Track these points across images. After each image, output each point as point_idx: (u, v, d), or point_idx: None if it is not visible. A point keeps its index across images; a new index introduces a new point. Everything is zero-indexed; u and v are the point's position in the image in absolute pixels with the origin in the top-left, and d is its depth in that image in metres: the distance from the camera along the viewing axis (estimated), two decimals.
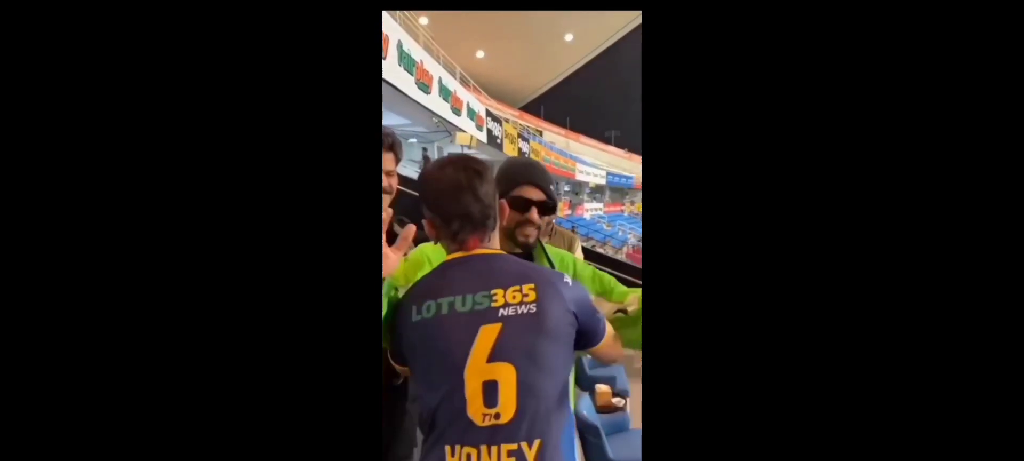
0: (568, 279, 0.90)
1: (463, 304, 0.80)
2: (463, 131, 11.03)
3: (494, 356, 0.78)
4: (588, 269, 1.20)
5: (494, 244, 0.97)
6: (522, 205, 1.15)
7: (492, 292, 0.83)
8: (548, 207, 1.18)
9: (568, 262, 1.21)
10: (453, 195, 0.88)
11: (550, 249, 1.23)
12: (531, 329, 0.81)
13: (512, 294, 0.83)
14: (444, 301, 0.79)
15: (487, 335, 0.79)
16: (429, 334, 0.79)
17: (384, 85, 7.94)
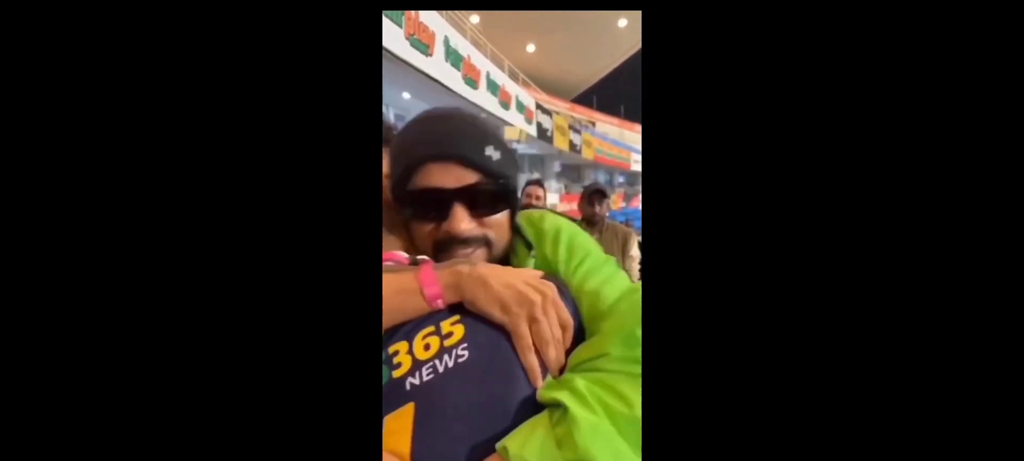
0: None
1: None
2: (512, 125, 11.08)
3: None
4: (588, 253, 0.65)
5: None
6: (430, 204, 0.64)
7: (390, 351, 0.53)
8: (486, 194, 0.64)
9: (551, 236, 0.66)
10: None
11: (528, 221, 0.71)
12: (470, 388, 0.50)
13: (423, 342, 0.53)
14: None
15: (395, 427, 0.49)
16: None
17: (430, 82, 8.06)
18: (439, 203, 0.63)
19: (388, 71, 7.91)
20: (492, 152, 0.64)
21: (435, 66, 8.46)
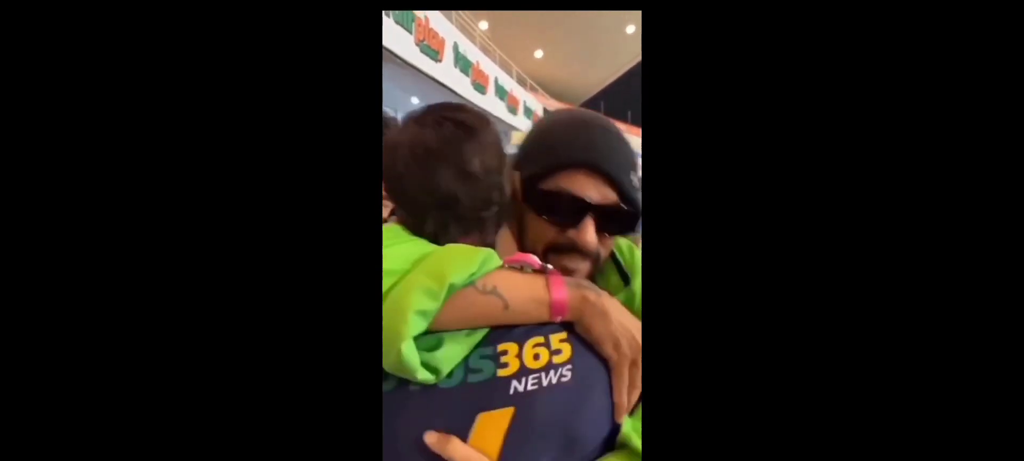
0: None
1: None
2: (519, 130, 11.17)
3: None
4: None
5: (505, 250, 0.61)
6: (565, 209, 0.64)
7: (499, 348, 0.52)
8: (620, 217, 0.65)
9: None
10: (422, 167, 0.57)
11: (621, 249, 0.70)
12: (566, 411, 0.50)
13: (533, 350, 0.52)
14: None
15: (489, 426, 0.49)
16: (388, 424, 0.49)
17: (439, 87, 8.19)
18: (575, 211, 0.63)
19: (397, 76, 8.10)
20: (634, 178, 0.65)
21: (444, 72, 8.61)
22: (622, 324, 0.55)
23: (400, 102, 8.96)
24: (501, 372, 0.50)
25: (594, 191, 0.64)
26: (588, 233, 0.63)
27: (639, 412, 0.54)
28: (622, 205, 0.64)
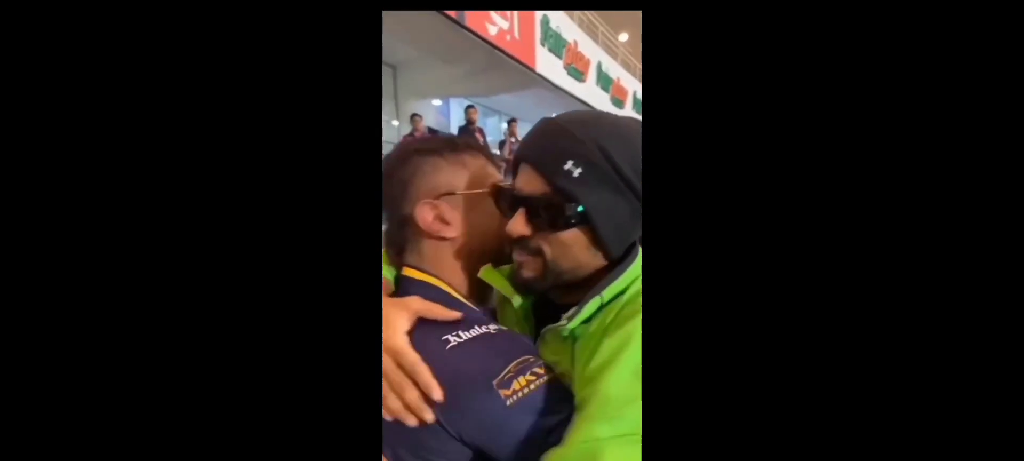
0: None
1: None
2: None
3: None
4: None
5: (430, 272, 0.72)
6: (505, 204, 0.69)
7: None
8: (550, 208, 0.62)
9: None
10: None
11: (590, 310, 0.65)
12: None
13: None
14: None
15: None
16: None
17: (582, 106, 8.70)
18: (511, 203, 0.67)
19: (546, 99, 9.08)
20: (573, 168, 0.62)
21: (587, 91, 9.25)
22: (387, 336, 0.58)
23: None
24: None
25: (526, 184, 0.65)
26: (514, 223, 0.65)
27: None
28: (549, 197, 0.63)
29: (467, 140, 0.79)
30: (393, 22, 6.87)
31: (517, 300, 0.73)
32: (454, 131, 8.41)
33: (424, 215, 0.71)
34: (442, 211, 0.72)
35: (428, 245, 0.73)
